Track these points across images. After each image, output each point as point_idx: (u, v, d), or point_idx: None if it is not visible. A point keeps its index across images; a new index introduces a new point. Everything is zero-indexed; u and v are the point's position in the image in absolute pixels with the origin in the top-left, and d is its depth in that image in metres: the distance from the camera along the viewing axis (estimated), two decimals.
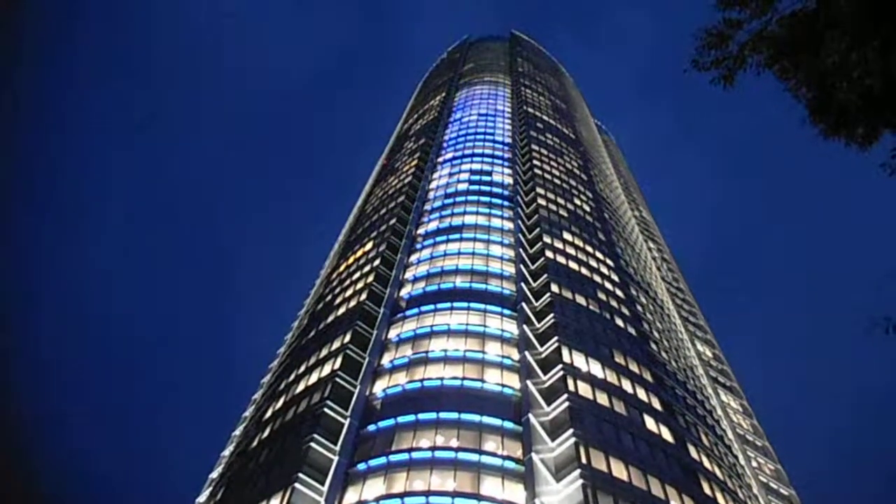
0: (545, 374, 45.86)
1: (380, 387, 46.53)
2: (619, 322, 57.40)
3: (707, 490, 41.69)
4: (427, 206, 75.93)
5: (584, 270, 63.03)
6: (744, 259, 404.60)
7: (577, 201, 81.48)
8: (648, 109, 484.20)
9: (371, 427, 42.33)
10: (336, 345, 51.23)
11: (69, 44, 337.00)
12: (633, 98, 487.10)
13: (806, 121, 11.43)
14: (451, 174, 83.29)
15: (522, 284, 56.84)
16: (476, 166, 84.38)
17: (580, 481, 35.17)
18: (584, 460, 36.95)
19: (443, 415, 41.77)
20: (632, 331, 57.57)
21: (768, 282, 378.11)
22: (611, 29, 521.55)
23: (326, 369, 48.39)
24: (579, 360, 47.55)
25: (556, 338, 48.51)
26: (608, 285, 63.54)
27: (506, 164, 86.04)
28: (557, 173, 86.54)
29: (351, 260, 71.52)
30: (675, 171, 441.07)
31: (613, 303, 60.51)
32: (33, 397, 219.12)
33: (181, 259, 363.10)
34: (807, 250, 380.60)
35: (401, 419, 41.98)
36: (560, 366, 45.24)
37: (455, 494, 35.98)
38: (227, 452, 58.64)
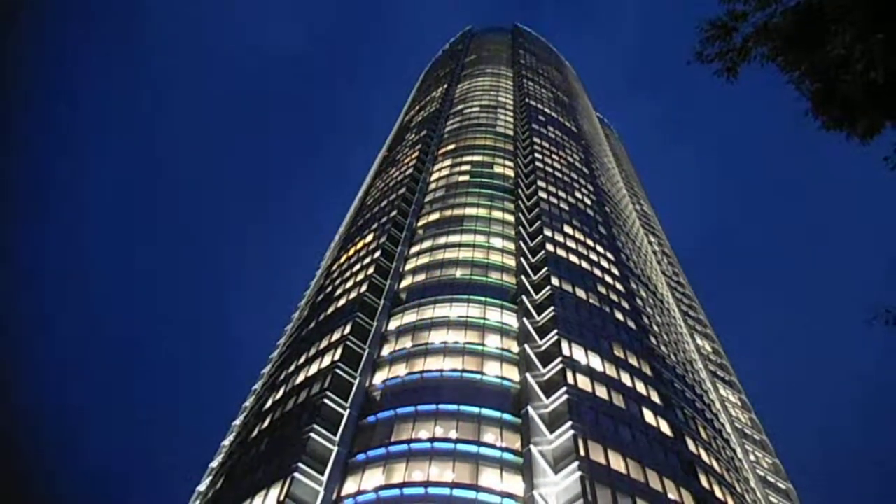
0: (544, 366, 45.95)
1: (379, 378, 46.67)
2: (619, 316, 57.45)
3: (705, 483, 41.83)
4: (428, 198, 75.86)
5: (584, 264, 63.03)
6: (740, 253, 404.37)
7: (579, 194, 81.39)
8: (639, 102, 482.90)
9: (370, 418, 42.47)
10: (336, 336, 51.33)
11: (65, 41, 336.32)
12: (623, 91, 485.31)
13: (808, 113, 11.41)
14: (452, 166, 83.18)
15: (523, 277, 56.87)
16: (477, 158, 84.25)
17: (578, 473, 35.29)
18: (582, 453, 37.07)
19: (442, 406, 41.90)
20: (631, 324, 57.64)
21: (766, 276, 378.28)
22: (600, 21, 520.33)
23: (326, 360, 48.51)
24: (579, 354, 47.64)
25: (555, 331, 48.56)
26: (608, 279, 63.56)
27: (507, 156, 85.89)
28: (559, 166, 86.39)
29: (351, 251, 71.54)
30: (669, 164, 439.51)
31: (613, 296, 60.54)
32: (34, 394, 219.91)
33: (182, 251, 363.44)
34: (805, 243, 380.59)
35: (400, 410, 42.10)
36: (559, 359, 45.32)
37: (454, 485, 36.12)
38: (227, 442, 58.87)
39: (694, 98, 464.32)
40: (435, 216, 70.20)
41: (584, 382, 44.26)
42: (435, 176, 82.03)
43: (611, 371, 47.60)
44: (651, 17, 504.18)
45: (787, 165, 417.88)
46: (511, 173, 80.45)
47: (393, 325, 52.91)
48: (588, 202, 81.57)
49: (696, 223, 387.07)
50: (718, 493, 42.20)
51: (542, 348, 48.17)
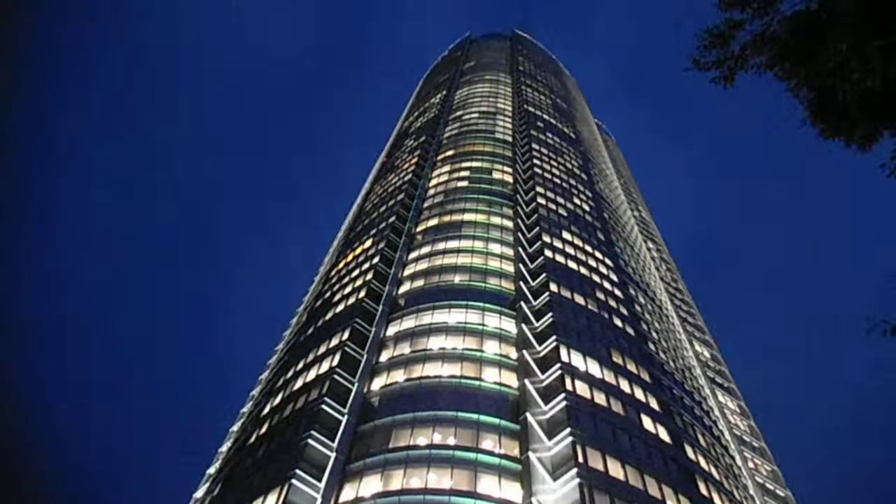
0: (543, 372, 45.88)
1: (377, 384, 46.55)
2: (618, 322, 57.42)
3: (703, 490, 41.72)
4: (427, 204, 75.89)
5: (583, 270, 63.05)
6: (737, 258, 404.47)
7: (577, 201, 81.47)
8: (634, 106, 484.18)
9: (368, 424, 42.33)
10: (334, 342, 51.23)
11: (63, 41, 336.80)
12: (618, 95, 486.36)
13: (806, 122, 11.43)
14: (450, 172, 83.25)
15: (521, 283, 56.83)
16: (476, 164, 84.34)
17: (577, 480, 35.21)
18: (580, 459, 36.98)
19: (440, 413, 41.78)
20: (630, 330, 57.60)
21: (763, 281, 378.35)
22: (596, 26, 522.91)
23: (325, 366, 48.40)
24: (577, 360, 47.57)
25: (554, 337, 48.52)
26: (607, 285, 63.55)
27: (506, 162, 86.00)
28: (557, 172, 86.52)
29: (350, 257, 71.52)
30: (665, 169, 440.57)
31: (612, 302, 60.52)
32: (32, 398, 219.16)
33: (180, 253, 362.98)
34: (802, 250, 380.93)
35: (398, 417, 41.98)
36: (558, 365, 45.25)
37: (452, 492, 35.99)
38: (224, 448, 58.65)
39: (690, 102, 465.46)
40: (434, 222, 70.22)
41: (582, 389, 44.19)
42: (434, 182, 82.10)
43: (609, 377, 47.52)
44: (647, 21, 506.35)
45: (785, 171, 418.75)
46: (510, 179, 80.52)
47: (391, 330, 52.83)
48: (587, 208, 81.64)
49: (693, 228, 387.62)
50: (717, 500, 42.09)
51: (541, 354, 48.11)
